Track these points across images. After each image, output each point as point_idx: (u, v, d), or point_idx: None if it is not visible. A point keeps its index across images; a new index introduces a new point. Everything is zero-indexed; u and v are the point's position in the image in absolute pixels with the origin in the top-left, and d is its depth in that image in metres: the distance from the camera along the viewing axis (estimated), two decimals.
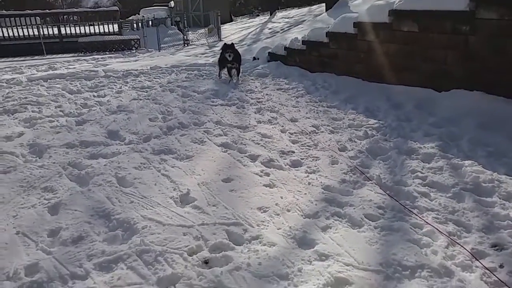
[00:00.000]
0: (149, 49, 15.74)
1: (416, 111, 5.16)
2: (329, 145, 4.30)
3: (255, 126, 5.04)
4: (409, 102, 5.44)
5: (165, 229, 2.82)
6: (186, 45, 16.71)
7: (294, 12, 21.18)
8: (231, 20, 31.62)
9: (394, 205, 3.04)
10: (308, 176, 3.61)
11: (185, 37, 17.14)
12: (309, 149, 4.23)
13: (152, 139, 4.69)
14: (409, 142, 4.18)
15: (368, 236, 2.69)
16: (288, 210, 3.04)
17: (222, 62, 7.85)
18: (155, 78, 8.54)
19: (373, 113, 5.27)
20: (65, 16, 18.42)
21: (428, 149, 3.95)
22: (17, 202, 3.28)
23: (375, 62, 6.43)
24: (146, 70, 9.45)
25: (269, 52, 9.51)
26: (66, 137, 4.79)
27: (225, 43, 7.96)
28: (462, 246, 2.52)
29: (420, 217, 2.85)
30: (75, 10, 20.08)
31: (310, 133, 4.71)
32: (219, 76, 8.12)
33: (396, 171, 3.59)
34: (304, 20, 15.13)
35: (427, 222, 2.78)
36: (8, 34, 17.11)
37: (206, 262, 2.49)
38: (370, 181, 3.43)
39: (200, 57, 12.39)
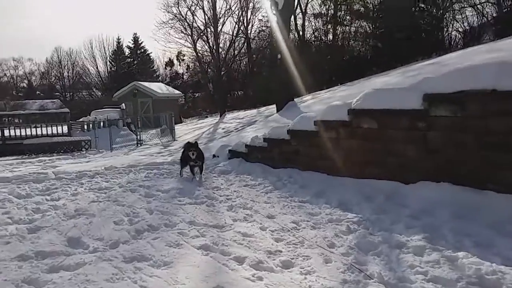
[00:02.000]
0: (100, 150, 15.31)
1: (388, 203, 5.24)
2: (316, 242, 4.12)
3: (231, 225, 4.78)
4: (379, 195, 5.54)
5: None
6: (139, 145, 16.54)
7: (243, 114, 22.30)
8: (181, 122, 32.48)
9: None
10: (305, 278, 3.34)
11: (138, 137, 17.04)
12: (296, 247, 4.01)
13: (121, 244, 4.21)
14: (394, 235, 4.14)
15: None
16: None
17: (184, 161, 7.83)
18: (113, 179, 8.11)
19: (347, 207, 5.25)
20: (9, 118, 17.70)
21: (416, 241, 3.91)
22: None
23: (338, 157, 6.67)
24: (102, 171, 9.01)
25: (229, 150, 9.62)
26: (18, 248, 4.15)
27: (188, 142, 8.01)
28: None
29: None
30: (22, 112, 19.53)
31: (291, 229, 4.53)
32: (180, 174, 7.95)
33: (395, 267, 3.44)
34: (256, 120, 15.87)
35: None
36: None
37: None
38: (373, 280, 3.23)
39: (157, 156, 12.20)
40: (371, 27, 31.33)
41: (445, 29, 24.81)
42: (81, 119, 20.73)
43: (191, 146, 7.59)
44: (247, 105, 31.75)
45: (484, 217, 4.32)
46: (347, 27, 32.91)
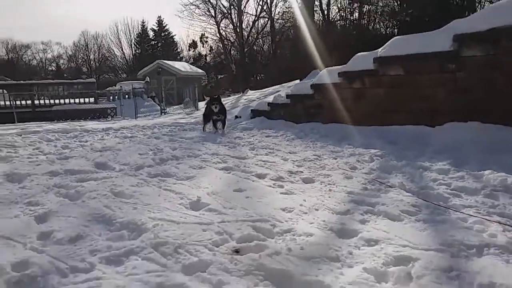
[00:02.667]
0: (125, 117, 15.64)
1: (413, 144, 5.15)
2: (338, 166, 4.11)
3: (253, 157, 4.82)
4: (403, 138, 5.46)
5: (180, 226, 2.42)
6: (163, 113, 16.79)
7: (266, 89, 22.20)
8: (204, 100, 32.68)
9: (428, 205, 2.81)
10: (326, 186, 3.35)
11: (161, 107, 17.29)
12: (318, 170, 4.01)
13: (146, 167, 4.30)
14: (418, 162, 4.07)
15: (414, 226, 2.41)
16: (316, 209, 2.73)
17: (207, 116, 7.78)
18: (138, 132, 8.28)
19: (371, 147, 5.19)
20: (38, 87, 18.28)
21: (440, 166, 3.85)
22: None
23: (362, 108, 6.59)
24: (127, 126, 9.21)
25: (252, 109, 9.62)
26: (48, 168, 4.32)
27: (210, 97, 8.05)
28: None
29: (462, 212, 2.62)
30: (51, 81, 20.11)
31: (313, 159, 4.53)
32: (203, 129, 8.00)
33: (417, 180, 3.41)
34: (279, 91, 15.79)
35: (471, 215, 2.54)
36: None
37: (237, 251, 2.09)
38: (394, 188, 3.21)
39: (180, 119, 12.36)
40: (399, 5, 30.28)
41: (478, 5, 23.72)
42: (107, 89, 21.21)
43: (214, 100, 7.53)
44: (270, 85, 31.57)
45: None
46: (373, 6, 31.94)
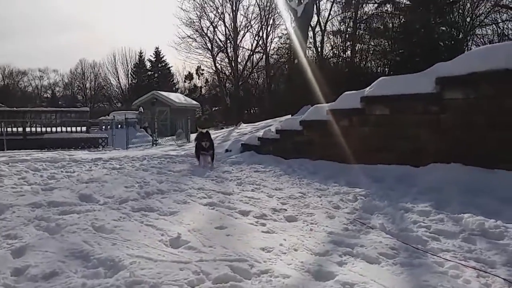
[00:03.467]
0: (116, 148, 15.62)
1: (397, 184, 5.22)
2: (321, 204, 4.14)
3: (239, 192, 4.84)
4: (388, 177, 5.54)
5: (157, 265, 2.41)
6: (154, 145, 16.83)
7: (259, 123, 22.48)
8: (196, 132, 32.87)
9: (407, 247, 2.83)
10: (307, 225, 3.37)
11: (153, 138, 17.34)
12: (302, 208, 4.03)
13: (130, 201, 4.29)
14: (400, 204, 4.12)
15: (390, 269, 2.43)
16: (295, 250, 2.74)
17: (197, 151, 7.82)
18: (126, 163, 8.27)
19: (356, 186, 5.25)
20: (31, 114, 18.33)
21: (421, 207, 3.89)
22: None
23: (349, 145, 6.70)
24: (117, 157, 9.21)
25: (242, 143, 9.72)
26: (31, 199, 4.30)
27: (200, 131, 8.08)
28: (495, 275, 2.31)
29: (438, 256, 2.64)
30: (45, 109, 20.20)
31: (298, 197, 4.56)
32: (199, 163, 7.71)
33: (398, 222, 3.44)
34: (271, 125, 16.02)
35: (448, 260, 2.57)
36: None
37: None
38: (374, 229, 3.24)
39: (171, 151, 12.39)
40: (390, 46, 31.25)
41: (466, 48, 24.60)
42: (100, 118, 21.29)
43: (203, 136, 7.60)
44: (263, 118, 31.97)
45: (494, 193, 4.28)
46: (366, 45, 32.97)
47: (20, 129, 17.27)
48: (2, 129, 16.29)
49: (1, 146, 15.01)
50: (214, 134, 22.00)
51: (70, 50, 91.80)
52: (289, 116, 16.30)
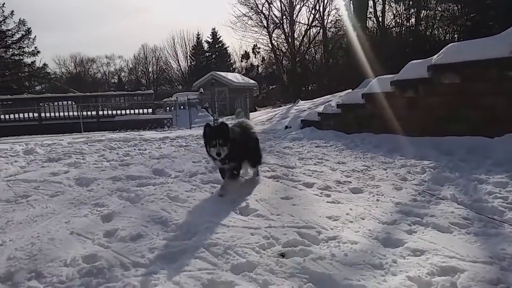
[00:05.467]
0: (180, 128, 16.35)
1: (469, 156, 4.94)
2: (387, 176, 4.08)
3: (302, 166, 4.89)
4: (459, 149, 5.25)
5: (230, 229, 2.58)
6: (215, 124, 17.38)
7: (317, 99, 22.11)
8: (255, 111, 33.16)
9: (480, 218, 2.72)
10: (373, 196, 3.35)
11: (214, 117, 17.86)
12: (367, 181, 3.99)
13: (199, 174, 4.56)
14: (473, 175, 3.91)
15: (463, 238, 2.37)
16: (362, 218, 2.76)
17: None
18: (192, 141, 8.68)
19: (423, 158, 5.06)
20: (102, 98, 19.72)
21: (497, 179, 3.68)
22: (69, 213, 3.13)
23: (415, 117, 6.42)
24: (182, 136, 9.68)
25: (301, 119, 9.69)
26: (111, 173, 4.73)
27: (207, 124, 3.73)
28: None
29: None
30: (114, 93, 21.63)
31: (362, 170, 4.51)
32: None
33: (471, 193, 3.30)
34: (331, 100, 15.71)
35: None
36: (50, 115, 18.29)
37: (282, 255, 2.20)
38: (445, 200, 3.14)
39: None
40: (459, 10, 28.76)
41: None
42: (164, 100, 22.34)
43: (213, 135, 3.55)
44: (322, 95, 31.34)
45: None
46: (432, 11, 30.65)
47: (94, 113, 18.70)
48: (79, 113, 17.75)
49: (78, 128, 16.38)
50: (273, 112, 22.10)
51: (133, 36, 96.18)
52: (349, 91, 15.84)
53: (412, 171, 4.29)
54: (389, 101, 6.98)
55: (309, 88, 44.00)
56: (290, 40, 29.89)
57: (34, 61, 34.34)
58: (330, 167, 4.79)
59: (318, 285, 1.84)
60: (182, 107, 20.45)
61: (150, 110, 19.19)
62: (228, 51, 61.44)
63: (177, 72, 64.83)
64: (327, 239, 2.38)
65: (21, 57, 32.75)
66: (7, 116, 17.84)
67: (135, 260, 2.17)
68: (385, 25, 30.75)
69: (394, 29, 32.20)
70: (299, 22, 32.34)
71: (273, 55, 37.22)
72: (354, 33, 16.88)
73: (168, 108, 20.44)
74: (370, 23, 29.45)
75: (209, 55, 61.75)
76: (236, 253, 2.21)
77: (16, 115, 17.89)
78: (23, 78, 33.70)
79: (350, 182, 3.93)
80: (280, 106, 33.67)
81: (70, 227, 2.76)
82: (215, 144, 3.43)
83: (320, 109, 9.44)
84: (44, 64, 35.58)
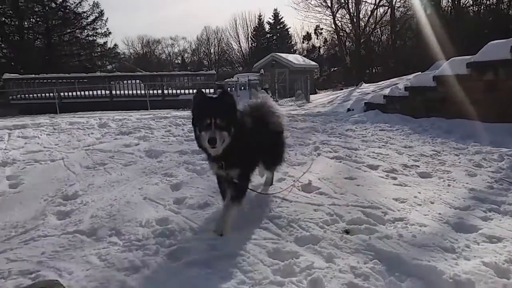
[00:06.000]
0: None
1: None
2: (459, 162, 3.84)
3: (365, 149, 4.76)
4: None
5: (292, 204, 2.61)
6: None
7: (382, 83, 21.19)
8: (315, 93, 32.62)
9: None
10: (444, 181, 3.18)
11: (273, 99, 17.92)
12: (436, 166, 3.79)
13: None
14: None
15: None
16: (432, 202, 2.64)
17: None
18: None
19: (501, 145, 4.67)
20: (167, 78, 20.54)
21: None
22: (141, 181, 3.35)
23: (494, 101, 5.92)
24: None
25: (365, 102, 9.38)
26: (178, 147, 4.97)
27: (198, 90, 2.39)
28: None
29: None
30: (178, 73, 22.44)
31: (431, 155, 4.29)
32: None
33: None
34: (397, 83, 14.98)
35: None
36: (120, 92, 19.46)
37: (346, 231, 2.19)
38: None
39: (292, 111, 12.68)
40: None
41: None
42: (225, 80, 22.77)
43: (209, 109, 2.20)
44: (387, 78, 29.95)
45: None
46: None
47: (159, 92, 19.56)
48: (146, 91, 18.67)
49: (145, 106, 17.28)
50: (334, 94, 21.61)
51: (196, 18, 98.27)
52: (419, 73, 14.96)
53: (488, 158, 4.00)
54: (463, 84, 6.50)
55: (373, 71, 42.21)
56: (355, 21, 28.73)
57: (106, 41, 36.59)
58: (396, 150, 4.61)
59: (384, 263, 1.81)
60: (242, 88, 20.70)
61: (211, 90, 19.65)
62: (290, 33, 60.67)
63: (238, 54, 65.44)
64: (393, 220, 2.32)
65: (94, 38, 34.94)
66: (82, 93, 19.26)
67: (203, 225, 2.28)
68: (461, 4, 28.42)
69: (471, 8, 29.66)
70: (366, 2, 30.89)
71: (336, 36, 36.08)
72: (426, 12, 15.80)
73: (228, 89, 20.82)
74: (444, 2, 27.40)
75: (270, 36, 61.45)
76: (299, 227, 2.23)
77: (90, 92, 19.26)
78: (96, 57, 36.01)
79: (418, 166, 3.76)
80: (341, 89, 32.78)
81: (143, 193, 2.97)
82: (208, 124, 2.10)
83: (386, 92, 9.07)
84: (115, 45, 37.67)
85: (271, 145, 2.76)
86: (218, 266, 1.84)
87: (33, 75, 19.28)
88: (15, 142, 5.86)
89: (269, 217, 2.37)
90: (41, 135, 6.37)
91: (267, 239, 2.08)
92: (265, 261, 1.85)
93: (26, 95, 18.42)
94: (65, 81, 19.78)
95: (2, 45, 28.15)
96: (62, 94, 18.62)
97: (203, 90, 2.17)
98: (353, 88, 22.33)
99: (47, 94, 18.33)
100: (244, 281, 1.71)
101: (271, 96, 14.88)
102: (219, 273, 1.78)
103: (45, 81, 18.97)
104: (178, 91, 19.62)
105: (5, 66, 24.92)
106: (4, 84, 18.72)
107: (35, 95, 18.43)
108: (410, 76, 16.67)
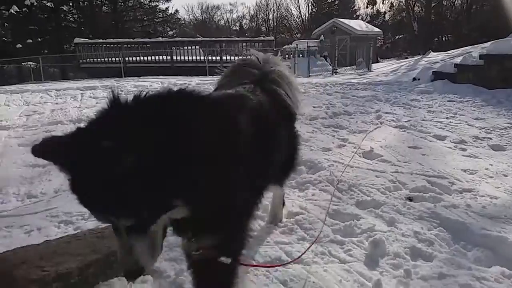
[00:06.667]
0: (298, 76, 16.37)
1: None
2: None
3: (431, 119, 4.52)
4: None
5: (353, 170, 2.60)
6: (334, 73, 16.90)
7: (453, 51, 19.65)
8: (378, 62, 31.11)
9: None
10: None
11: (333, 67, 17.37)
12: (511, 139, 3.52)
13: (319, 119, 4.57)
14: None
15: None
16: (505, 175, 2.50)
17: None
18: (310, 88, 8.65)
19: None
20: (225, 44, 20.64)
21: None
22: None
23: None
24: (300, 82, 9.70)
25: (433, 71, 8.81)
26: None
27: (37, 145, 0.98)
28: None
29: None
30: (236, 39, 22.47)
31: (506, 128, 3.98)
32: None
33: None
34: (471, 52, 13.81)
35: None
36: (180, 58, 19.94)
37: (409, 199, 2.14)
38: None
39: (352, 80, 12.27)
40: None
41: None
42: (284, 47, 22.42)
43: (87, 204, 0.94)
44: (459, 46, 27.70)
45: None
46: None
47: (218, 58, 19.78)
48: (205, 57, 18.96)
49: (204, 71, 17.64)
50: (398, 63, 20.49)
51: None
52: (497, 41, 13.62)
53: None
54: None
55: (443, 39, 39.19)
56: None
57: (168, 7, 37.25)
58: (466, 122, 4.33)
59: (449, 231, 1.77)
60: (300, 55, 20.26)
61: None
62: None
63: (297, 20, 63.64)
64: (461, 190, 2.23)
65: (156, 4, 35.68)
66: (145, 58, 19.99)
67: None
68: None
69: None
70: None
71: (403, 1, 33.76)
72: None
73: (287, 56, 20.50)
74: None
75: (332, 1, 58.76)
76: (360, 191, 2.23)
77: (152, 57, 19.92)
78: (157, 23, 36.90)
79: (491, 139, 3.52)
80: (406, 58, 30.92)
81: None
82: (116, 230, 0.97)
83: (457, 60, 8.43)
84: (176, 11, 38.38)
85: (280, 147, 1.52)
86: (280, 223, 1.89)
87: (100, 40, 20.33)
88: (87, 101, 6.33)
89: (329, 180, 2.38)
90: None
91: (327, 200, 2.10)
92: (325, 221, 1.88)
93: (94, 59, 19.55)
94: (129, 46, 20.64)
95: (73, 11, 29.73)
96: (126, 58, 19.50)
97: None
98: (419, 57, 20.96)
99: (112, 59, 19.30)
100: (304, 237, 1.76)
101: (329, 64, 14.36)
102: (280, 228, 1.84)
103: (111, 45, 19.93)
104: (236, 58, 19.69)
105: (76, 31, 26.34)
106: (75, 48, 19.96)
107: (102, 59, 19.50)
108: (486, 44, 15.27)
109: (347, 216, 1.92)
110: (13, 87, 9.26)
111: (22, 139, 3.91)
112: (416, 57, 22.00)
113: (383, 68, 17.25)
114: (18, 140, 3.94)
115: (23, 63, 18.90)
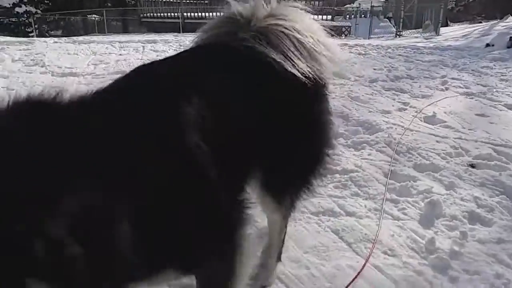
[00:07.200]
0: (358, 37, 15.62)
1: None
2: None
3: (504, 88, 4.19)
4: None
5: (412, 133, 2.53)
6: (397, 36, 15.93)
7: None
8: (447, 26, 28.77)
9: None
10: None
11: (397, 29, 16.35)
12: None
13: (379, 81, 4.40)
14: None
15: None
16: None
17: None
18: (371, 50, 8.26)
19: None
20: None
21: None
22: None
23: None
24: (360, 44, 9.29)
25: (511, 37, 8.03)
26: None
27: None
28: None
29: None
30: None
31: None
32: None
33: None
34: None
35: None
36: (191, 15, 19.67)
37: (472, 165, 2.07)
38: None
39: (417, 43, 11.53)
40: None
41: None
42: (345, 6, 21.35)
43: None
44: None
45: None
46: None
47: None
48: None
49: None
50: (470, 28, 18.84)
51: None
52: None
53: None
54: None
55: None
56: None
57: None
58: None
59: None
60: (363, 15, 19.21)
61: (329, 17, 18.68)
62: None
63: None
64: None
65: None
66: (202, 14, 20.04)
67: None
68: None
69: None
70: None
71: None
72: None
73: (348, 16, 19.53)
74: None
75: None
76: (419, 155, 2.18)
77: (210, 14, 19.89)
78: None
79: None
80: (480, 23, 28.29)
81: None
82: None
83: None
84: None
85: (279, 132, 1.12)
86: (334, 178, 1.92)
87: None
88: (148, 54, 6.56)
89: (387, 142, 2.34)
90: (169, 50, 6.98)
91: (383, 161, 2.09)
92: (380, 180, 1.88)
93: (154, 14, 19.89)
94: (188, 1, 20.70)
95: None
96: (185, 14, 19.62)
97: None
98: (496, 21, 19.08)
99: (171, 14, 19.51)
100: (357, 193, 1.78)
101: (393, 26, 13.52)
102: (333, 183, 1.87)
103: (171, 0, 20.10)
104: None
105: None
106: (136, 2, 20.38)
107: (161, 14, 19.79)
108: None
109: (403, 177, 1.90)
110: (80, 38, 9.76)
111: (91, 86, 4.17)
112: (492, 22, 20.04)
113: (453, 33, 15.95)
114: (87, 87, 4.22)
115: (88, 16, 19.67)
